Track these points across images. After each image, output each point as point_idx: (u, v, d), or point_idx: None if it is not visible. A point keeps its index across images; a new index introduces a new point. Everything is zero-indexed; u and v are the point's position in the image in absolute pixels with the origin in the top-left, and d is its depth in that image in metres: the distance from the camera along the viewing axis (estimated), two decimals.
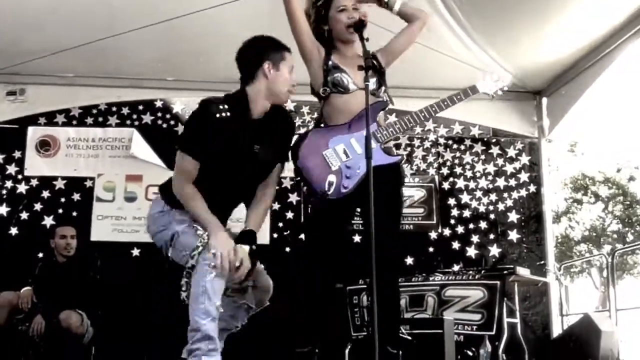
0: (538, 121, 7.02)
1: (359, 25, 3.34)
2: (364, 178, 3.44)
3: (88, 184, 6.64)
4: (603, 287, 20.52)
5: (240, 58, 3.28)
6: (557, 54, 6.12)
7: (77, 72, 6.56)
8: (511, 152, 7.10)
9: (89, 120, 6.78)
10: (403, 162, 3.81)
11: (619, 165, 22.49)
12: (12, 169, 6.61)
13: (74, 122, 6.77)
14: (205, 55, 5.89)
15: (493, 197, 7.01)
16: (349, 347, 5.03)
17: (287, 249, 6.63)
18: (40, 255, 5.98)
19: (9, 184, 6.58)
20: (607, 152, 24.41)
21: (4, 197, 6.55)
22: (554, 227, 8.39)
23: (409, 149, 7.06)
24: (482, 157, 7.10)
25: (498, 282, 5.28)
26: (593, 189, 22.56)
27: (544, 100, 6.98)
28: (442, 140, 7.11)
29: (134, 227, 6.56)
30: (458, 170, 7.06)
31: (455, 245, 6.86)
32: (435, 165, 7.07)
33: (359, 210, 3.68)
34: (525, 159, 7.08)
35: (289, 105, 6.89)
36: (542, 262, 6.80)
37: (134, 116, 6.79)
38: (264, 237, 6.63)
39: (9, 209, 6.53)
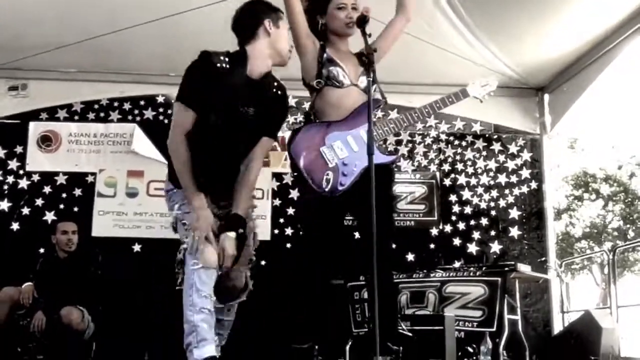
0: (540, 118, 7.02)
1: (362, 21, 3.33)
2: (361, 175, 3.45)
3: (89, 179, 6.64)
4: (604, 284, 20.53)
5: (238, 21, 3.27)
6: (559, 50, 6.12)
7: (79, 67, 6.57)
8: (513, 149, 7.09)
9: (91, 115, 6.78)
10: (397, 161, 3.84)
11: (620, 162, 22.49)
12: (13, 164, 6.61)
13: (76, 118, 6.77)
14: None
15: (494, 193, 7.00)
16: (350, 343, 5.04)
17: (289, 245, 6.63)
18: (42, 250, 5.99)
19: (10, 179, 6.58)
20: (608, 149, 24.33)
21: (6, 192, 6.55)
22: (555, 224, 8.37)
23: (410, 145, 7.06)
24: (484, 153, 7.09)
25: (499, 279, 5.28)
26: (594, 186, 22.55)
27: (546, 96, 6.97)
28: (443, 137, 7.10)
29: (135, 222, 6.57)
30: (459, 166, 7.05)
31: (457, 241, 6.86)
32: (437, 161, 7.06)
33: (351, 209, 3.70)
34: (526, 156, 7.07)
35: (291, 102, 6.93)
36: (543, 258, 6.80)
37: (136, 112, 6.79)
38: (265, 233, 6.64)
39: (10, 204, 6.53)
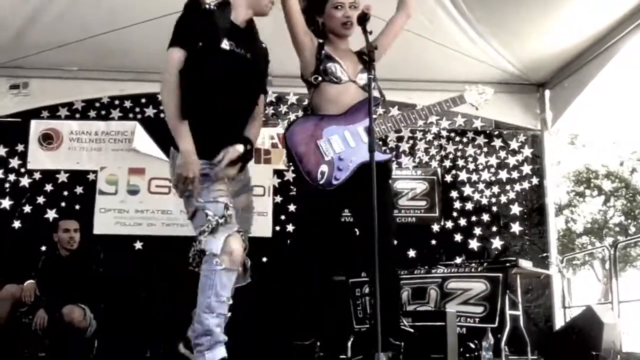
0: (541, 114, 7.02)
1: (362, 19, 3.33)
2: (355, 171, 3.46)
3: (91, 177, 6.65)
4: (605, 279, 20.53)
5: None
6: (560, 46, 6.12)
7: (80, 65, 6.57)
8: (514, 145, 7.09)
9: (92, 113, 6.79)
10: (394, 159, 3.84)
11: (621, 158, 22.48)
12: (15, 163, 6.62)
13: (77, 116, 6.78)
14: None
15: (495, 189, 7.01)
16: (352, 339, 5.06)
17: (289, 242, 6.64)
18: (43, 248, 5.99)
19: (12, 177, 6.59)
20: (609, 145, 24.32)
21: (7, 190, 6.56)
22: (556, 219, 8.38)
23: (411, 141, 7.06)
24: (485, 149, 7.09)
25: (500, 275, 5.28)
26: (596, 182, 22.54)
27: (547, 92, 6.97)
28: (444, 133, 7.10)
29: (137, 220, 6.58)
30: (460, 162, 7.06)
31: (458, 237, 6.86)
32: (438, 157, 7.07)
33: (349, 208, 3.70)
34: (527, 152, 7.07)
35: (292, 99, 6.93)
36: (545, 254, 6.81)
37: (137, 109, 6.80)
38: (266, 229, 6.65)
39: (12, 202, 6.54)
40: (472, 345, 5.20)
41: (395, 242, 3.72)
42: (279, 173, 6.75)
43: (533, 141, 7.11)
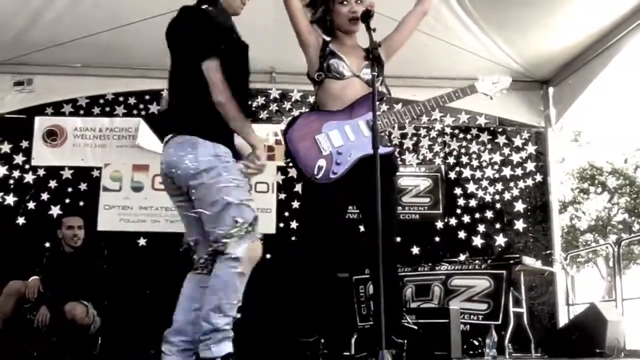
0: (544, 111, 7.01)
1: (366, 16, 3.33)
2: (357, 165, 3.45)
3: (95, 173, 6.66)
4: (609, 277, 20.52)
5: None
6: (564, 43, 6.11)
7: (84, 62, 6.58)
8: (517, 142, 7.09)
9: (96, 110, 6.79)
10: (395, 152, 3.80)
11: (625, 156, 22.44)
12: (19, 159, 6.63)
13: (81, 112, 6.78)
14: None
15: (499, 186, 7.00)
16: (355, 336, 5.06)
17: (294, 239, 6.64)
18: (47, 244, 6.01)
19: (16, 173, 6.60)
20: (613, 142, 24.31)
21: (11, 186, 6.57)
22: (560, 217, 8.38)
23: (415, 138, 7.06)
24: (489, 146, 7.08)
25: (504, 272, 5.29)
26: (600, 179, 22.51)
27: (551, 89, 6.96)
28: (448, 130, 7.10)
29: (141, 217, 6.59)
30: (464, 159, 7.05)
31: (462, 234, 6.86)
32: (442, 154, 7.06)
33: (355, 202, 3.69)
34: (531, 149, 7.07)
35: (295, 96, 6.93)
36: (549, 251, 6.80)
37: (141, 106, 6.80)
38: (270, 226, 6.66)
39: (16, 198, 6.55)
40: (476, 343, 5.20)
41: (398, 239, 3.73)
42: (282, 170, 6.74)
43: (537, 138, 7.11)
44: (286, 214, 6.72)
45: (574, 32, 5.88)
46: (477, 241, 6.84)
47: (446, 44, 5.86)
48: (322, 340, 3.46)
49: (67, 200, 6.54)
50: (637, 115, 25.23)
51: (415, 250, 6.72)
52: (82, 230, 5.49)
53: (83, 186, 6.62)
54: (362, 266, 5.50)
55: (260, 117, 6.92)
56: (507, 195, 6.98)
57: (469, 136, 7.10)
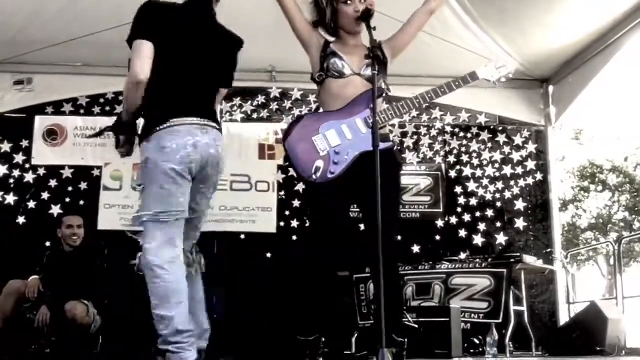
0: (545, 109, 7.02)
1: (366, 15, 3.32)
2: (356, 163, 3.45)
3: (95, 173, 6.66)
4: (610, 275, 20.51)
5: None
6: (564, 42, 6.11)
7: (85, 61, 6.57)
8: (518, 140, 7.09)
9: (96, 109, 6.79)
10: (395, 147, 3.77)
11: (626, 154, 22.42)
12: (19, 158, 6.63)
13: (82, 111, 6.78)
14: None
15: (500, 185, 7.00)
16: (356, 335, 5.06)
17: (294, 238, 6.64)
18: (48, 244, 6.01)
19: (16, 173, 6.60)
20: (613, 140, 24.27)
21: (12, 186, 6.57)
22: (561, 215, 8.38)
23: (415, 137, 7.06)
24: (489, 145, 7.08)
25: (505, 270, 5.29)
26: (601, 177, 22.49)
27: (551, 88, 6.97)
28: (448, 129, 7.10)
29: None
30: (465, 158, 7.05)
31: (462, 233, 6.86)
32: (442, 153, 7.07)
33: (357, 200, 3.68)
34: (531, 147, 7.07)
35: (296, 94, 6.93)
36: (549, 250, 6.81)
37: None
38: (270, 225, 6.66)
39: (16, 198, 6.55)
40: (477, 341, 5.21)
41: (399, 237, 3.71)
42: (283, 169, 6.74)
43: (537, 137, 7.11)
44: (287, 212, 6.72)
45: (574, 30, 5.88)
46: (478, 240, 6.84)
47: (446, 42, 5.85)
48: (323, 339, 3.45)
49: (68, 200, 6.55)
50: (638, 113, 25.18)
51: (415, 248, 6.73)
52: (82, 230, 5.48)
53: (83, 185, 6.62)
54: (363, 265, 5.50)
55: (261, 115, 6.93)
56: (507, 194, 6.98)
57: (469, 135, 7.10)
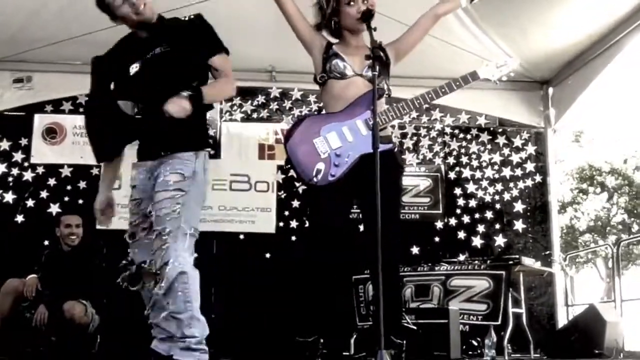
0: (544, 111, 7.02)
1: (367, 15, 3.32)
2: (357, 164, 3.44)
3: (94, 171, 6.62)
4: (608, 277, 20.52)
5: None
6: (564, 43, 6.11)
7: (84, 59, 6.46)
8: (517, 142, 7.09)
9: None
10: (396, 149, 3.77)
11: (625, 156, 22.44)
12: (18, 157, 6.61)
13: (81, 110, 6.76)
14: None
15: (499, 186, 7.00)
16: (355, 336, 5.05)
17: (293, 238, 6.63)
18: (46, 243, 5.99)
19: (15, 171, 6.58)
20: (613, 142, 24.30)
21: (10, 184, 6.55)
22: (560, 217, 8.39)
23: (415, 138, 7.06)
24: (489, 146, 7.08)
25: (503, 272, 5.29)
26: (599, 179, 22.51)
27: (551, 90, 6.96)
28: (448, 130, 7.10)
29: None
30: (464, 159, 7.05)
31: (461, 235, 6.86)
32: (442, 154, 7.06)
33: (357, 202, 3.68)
34: (531, 149, 7.07)
35: (296, 94, 6.92)
36: (548, 252, 6.81)
37: None
38: (270, 225, 6.65)
39: (15, 196, 6.54)
40: (475, 343, 5.20)
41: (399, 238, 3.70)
42: (283, 169, 6.72)
43: (536, 138, 7.11)
44: (286, 213, 6.71)
45: (574, 32, 5.87)
46: (477, 241, 6.84)
47: (446, 43, 5.84)
48: (321, 340, 3.45)
49: (66, 199, 6.53)
50: (637, 115, 25.20)
51: (415, 250, 6.73)
52: (80, 229, 5.47)
53: (82, 184, 6.60)
54: (363, 266, 5.49)
55: (261, 115, 6.92)
56: (506, 196, 6.98)
57: (468, 136, 7.10)
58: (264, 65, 6.78)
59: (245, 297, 6.26)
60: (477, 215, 6.92)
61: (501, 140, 7.11)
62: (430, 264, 5.80)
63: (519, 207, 6.96)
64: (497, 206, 6.97)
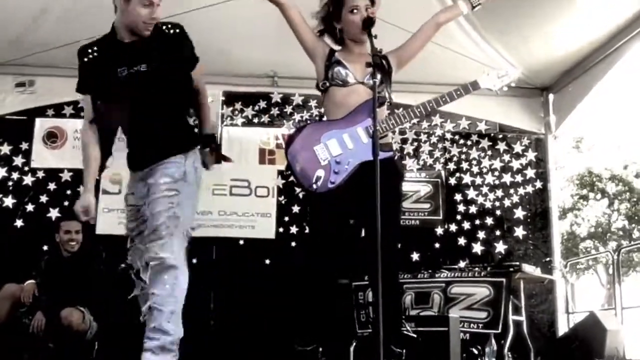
0: (545, 117, 7.01)
1: (368, 23, 3.33)
2: (357, 171, 3.44)
3: None
4: (609, 284, 20.48)
5: None
6: (565, 50, 6.11)
7: None
8: (517, 148, 7.08)
9: None
10: (396, 157, 3.77)
11: (625, 162, 22.43)
12: (18, 161, 6.61)
13: (82, 114, 6.74)
14: (215, 50, 5.89)
15: (499, 193, 6.99)
16: (354, 344, 5.03)
17: (293, 244, 6.62)
18: (45, 248, 5.99)
19: (15, 175, 6.57)
20: (613, 149, 24.30)
21: (10, 188, 6.54)
22: (560, 223, 8.38)
23: (415, 143, 7.06)
24: (489, 152, 7.08)
25: (504, 280, 5.27)
26: (600, 185, 22.49)
27: (551, 96, 6.97)
28: (448, 136, 7.10)
29: None
30: (464, 165, 7.05)
31: (462, 241, 6.85)
32: (442, 160, 7.06)
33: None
34: (531, 155, 7.06)
35: (297, 100, 6.92)
36: (548, 259, 6.79)
37: None
38: (269, 231, 6.64)
39: (14, 200, 6.53)
40: (475, 351, 5.18)
41: (399, 245, 3.70)
42: (283, 174, 6.71)
43: (537, 145, 7.11)
44: (286, 218, 6.70)
45: (575, 39, 5.88)
46: (477, 248, 6.83)
47: (448, 50, 5.84)
48: (321, 349, 3.44)
49: (66, 203, 6.51)
50: (638, 122, 25.21)
51: (415, 256, 6.71)
52: (80, 235, 5.45)
53: (82, 189, 6.57)
54: (363, 272, 5.48)
55: (262, 120, 6.92)
56: (507, 202, 6.97)
57: (469, 142, 7.09)
58: (266, 71, 6.79)
59: (244, 303, 6.25)
60: (477, 222, 6.91)
61: (501, 146, 7.10)
62: (430, 271, 5.77)
63: (519, 213, 6.95)
64: (498, 212, 6.96)
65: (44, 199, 6.54)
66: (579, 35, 5.81)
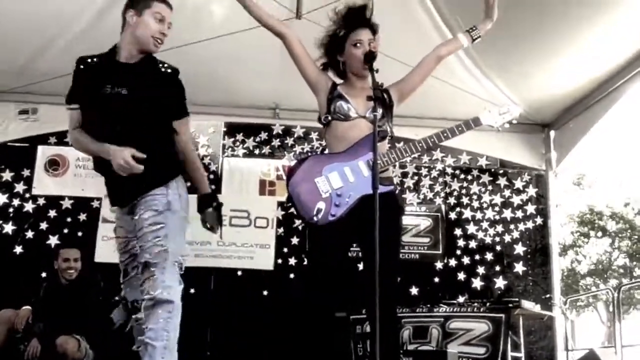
0: (546, 154, 7.03)
1: (369, 57, 3.35)
2: (358, 205, 3.44)
3: (95, 204, 6.65)
4: (609, 322, 20.35)
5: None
6: (566, 87, 6.14)
7: None
8: (518, 184, 7.09)
9: None
10: (397, 191, 3.77)
11: (627, 200, 22.43)
12: (20, 187, 6.63)
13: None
14: (218, 80, 5.94)
15: (499, 228, 6.98)
16: None
17: (292, 276, 6.60)
18: (44, 274, 5.98)
19: (16, 202, 6.59)
20: (615, 186, 24.32)
21: (11, 215, 6.56)
22: (560, 260, 8.35)
23: (416, 177, 7.07)
24: (489, 187, 7.09)
25: (503, 315, 5.24)
26: (600, 223, 22.46)
27: (552, 133, 6.99)
28: (449, 170, 7.11)
29: None
30: (465, 200, 7.05)
31: (461, 276, 6.82)
32: (442, 194, 7.06)
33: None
34: (532, 191, 7.07)
35: (298, 132, 6.95)
36: (548, 295, 6.76)
37: None
38: (268, 262, 6.62)
39: (14, 227, 6.53)
40: None
41: (398, 279, 3.68)
42: (283, 205, 6.72)
43: (537, 181, 7.12)
44: (285, 250, 6.69)
45: (576, 76, 5.92)
46: (477, 283, 6.80)
47: (448, 85, 5.88)
48: None
49: (66, 231, 6.53)
50: (639, 160, 25.27)
51: (414, 290, 6.68)
52: (78, 263, 5.44)
53: (82, 216, 6.61)
54: (360, 306, 5.46)
55: (263, 152, 6.95)
56: (507, 238, 6.96)
57: (470, 177, 7.11)
58: (268, 102, 6.83)
59: (241, 334, 6.21)
60: (477, 257, 6.89)
61: (502, 181, 7.11)
62: (429, 305, 5.75)
63: (519, 249, 6.93)
64: (498, 248, 6.94)
65: (44, 226, 6.55)
66: (580, 73, 5.85)
